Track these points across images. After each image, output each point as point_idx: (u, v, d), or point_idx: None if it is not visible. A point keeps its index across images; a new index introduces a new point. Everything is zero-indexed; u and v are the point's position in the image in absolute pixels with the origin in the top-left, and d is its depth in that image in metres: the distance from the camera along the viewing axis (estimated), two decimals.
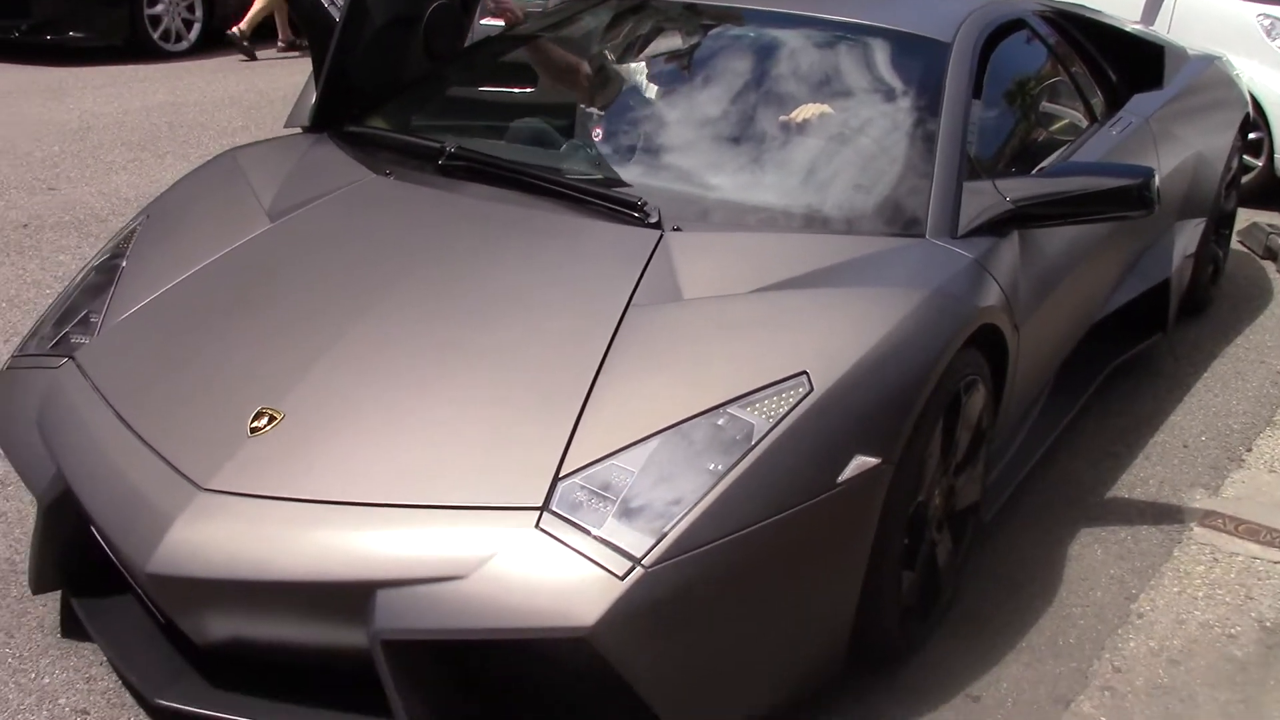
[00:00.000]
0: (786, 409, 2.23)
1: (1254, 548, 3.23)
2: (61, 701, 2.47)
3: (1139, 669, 2.73)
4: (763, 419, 2.22)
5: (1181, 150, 4.19)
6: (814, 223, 2.85)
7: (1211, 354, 4.48)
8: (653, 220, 2.75)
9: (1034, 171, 3.34)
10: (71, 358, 2.67)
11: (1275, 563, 3.17)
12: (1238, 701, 2.64)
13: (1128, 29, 4.60)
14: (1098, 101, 3.98)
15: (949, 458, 2.68)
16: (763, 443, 2.19)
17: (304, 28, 3.78)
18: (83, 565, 2.55)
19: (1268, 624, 2.92)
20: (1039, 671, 2.70)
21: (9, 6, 9.00)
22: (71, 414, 2.54)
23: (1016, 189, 2.90)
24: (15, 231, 5.27)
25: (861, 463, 2.27)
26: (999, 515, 3.15)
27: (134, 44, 9.25)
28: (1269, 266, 5.50)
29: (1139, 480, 3.57)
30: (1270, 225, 5.74)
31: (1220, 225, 4.86)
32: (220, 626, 2.23)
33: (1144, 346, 4.10)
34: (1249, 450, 3.77)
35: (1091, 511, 3.38)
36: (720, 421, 2.22)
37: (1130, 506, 3.43)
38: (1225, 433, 3.89)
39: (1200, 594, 3.02)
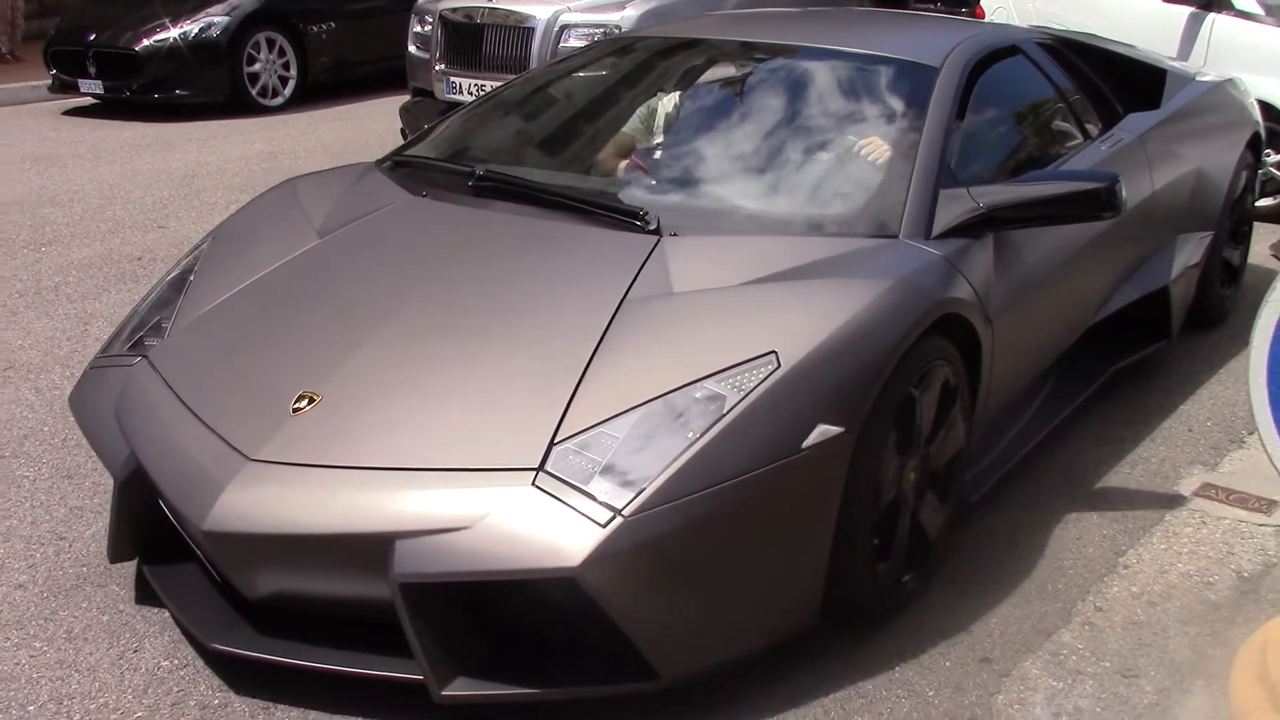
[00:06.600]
0: (756, 383, 2.56)
1: (1241, 513, 3.53)
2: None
3: (1119, 609, 3.05)
4: (734, 391, 2.54)
5: (1179, 166, 4.44)
6: (799, 227, 3.17)
7: (1226, 356, 4.74)
8: (651, 227, 3.10)
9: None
10: (145, 357, 3.10)
11: (1260, 525, 3.46)
12: (1206, 635, 2.95)
13: (1132, 55, 4.87)
14: (1092, 122, 4.27)
15: (916, 432, 2.91)
16: (733, 412, 2.51)
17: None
18: (152, 538, 2.95)
19: (1245, 574, 3.21)
20: (1026, 610, 3.03)
21: (121, 68, 9.79)
22: (143, 402, 2.95)
23: (989, 194, 3.20)
24: (130, 264, 5.86)
25: (824, 431, 2.57)
26: (1003, 487, 3.49)
27: (234, 100, 9.99)
28: None
29: (1141, 459, 3.88)
30: None
31: (1234, 239, 5.09)
32: (266, 581, 2.59)
33: (1148, 353, 4.34)
34: (1251, 434, 4.05)
35: (1092, 484, 3.71)
36: (697, 394, 2.55)
37: (1130, 480, 3.74)
38: (1230, 419, 4.18)
39: (1185, 550, 3.33)
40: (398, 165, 3.84)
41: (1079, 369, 4.01)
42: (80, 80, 9.92)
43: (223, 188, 7.41)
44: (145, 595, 3.05)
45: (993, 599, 3.07)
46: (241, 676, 2.72)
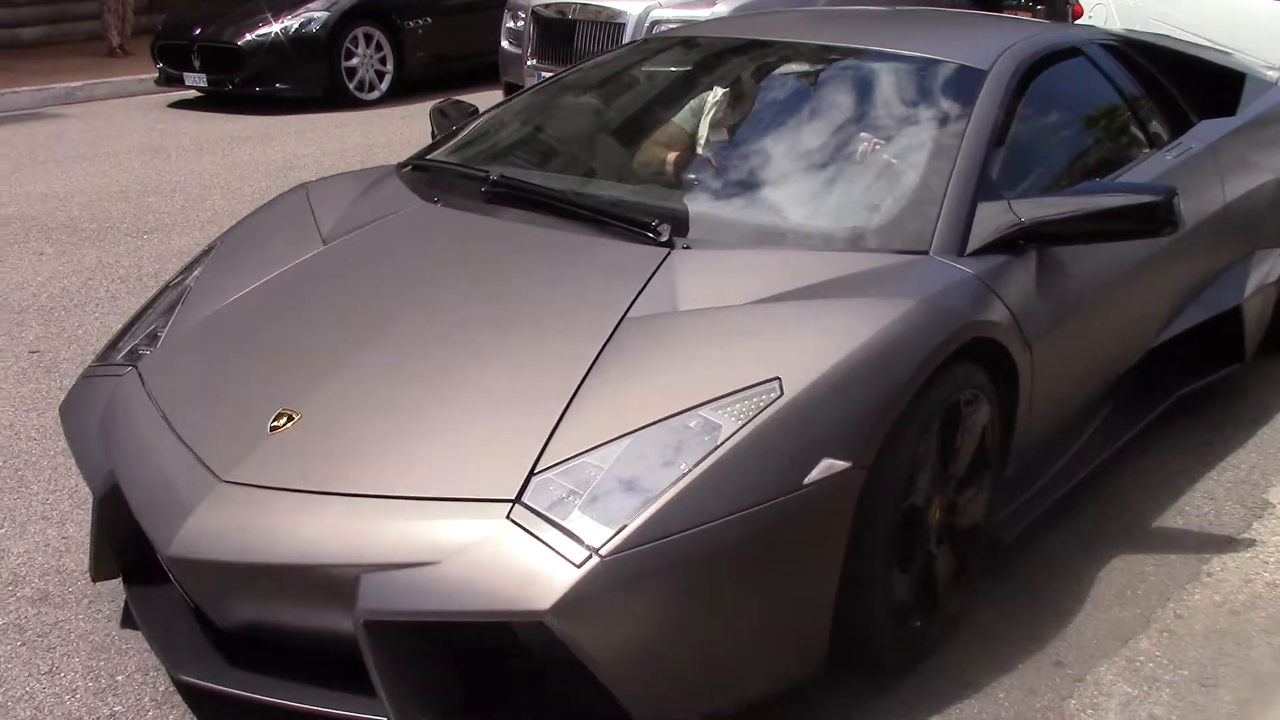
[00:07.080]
0: (755, 412, 2.33)
1: None
2: None
3: (1200, 617, 2.99)
4: (731, 420, 2.32)
5: (1256, 177, 4.18)
6: (823, 240, 2.96)
7: None
8: (663, 239, 2.90)
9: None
10: (134, 367, 2.95)
11: None
12: None
13: (1208, 59, 4.59)
14: (1160, 129, 3.97)
15: (947, 470, 2.73)
16: (728, 443, 2.29)
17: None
18: (136, 556, 2.77)
19: None
20: (1104, 616, 2.99)
21: (224, 62, 10.06)
22: (126, 416, 2.79)
23: (1032, 207, 2.96)
24: None
25: (830, 466, 2.34)
26: (1085, 490, 3.44)
27: (332, 94, 10.22)
28: None
29: (1230, 465, 3.79)
30: None
31: None
32: (238, 610, 2.44)
33: (1218, 377, 4.04)
34: None
35: (1178, 490, 3.63)
36: (691, 423, 2.33)
37: (1217, 486, 3.66)
38: None
39: (1272, 559, 3.25)
40: (417, 169, 3.67)
41: (1140, 395, 3.76)
42: (185, 74, 10.22)
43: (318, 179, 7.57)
44: (129, 620, 2.97)
45: (1069, 604, 3.03)
46: None
